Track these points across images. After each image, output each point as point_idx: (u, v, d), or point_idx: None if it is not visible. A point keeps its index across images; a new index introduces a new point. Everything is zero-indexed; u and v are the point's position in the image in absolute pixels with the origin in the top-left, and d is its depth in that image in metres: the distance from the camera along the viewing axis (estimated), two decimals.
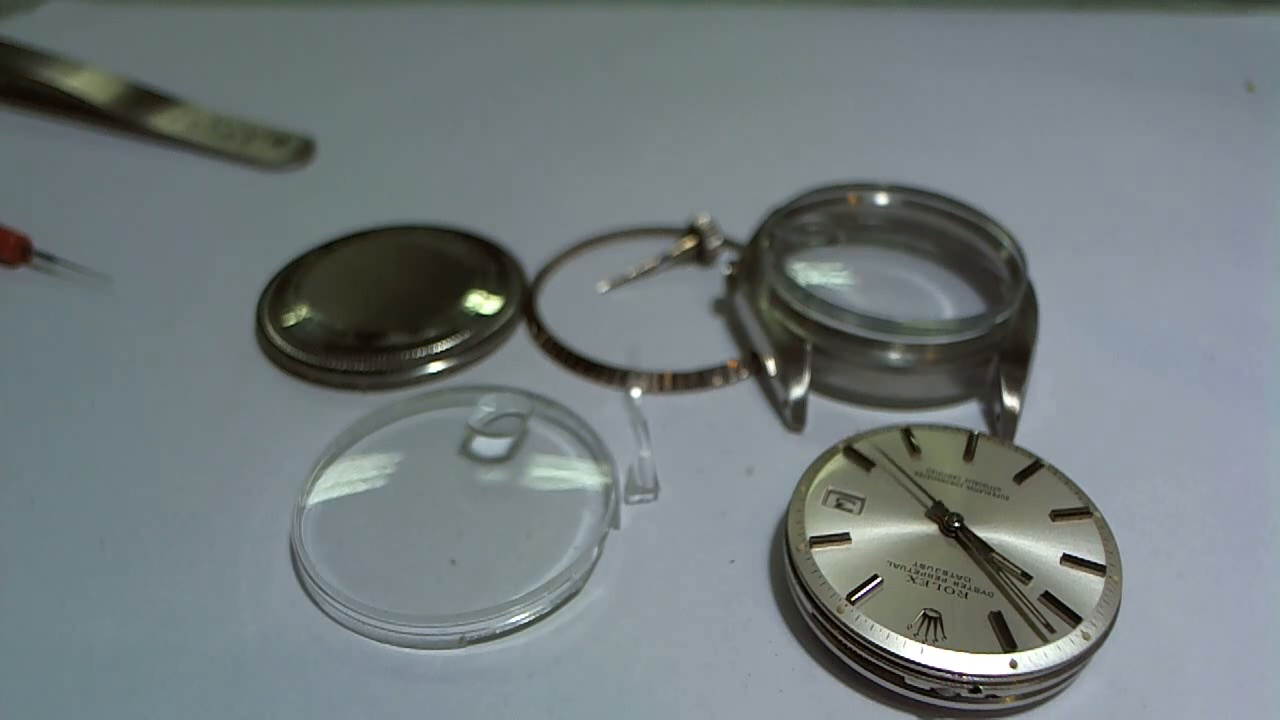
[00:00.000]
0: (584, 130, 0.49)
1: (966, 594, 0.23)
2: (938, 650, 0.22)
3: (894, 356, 0.30)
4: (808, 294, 0.31)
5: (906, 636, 0.22)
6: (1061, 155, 0.46)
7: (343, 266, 0.37)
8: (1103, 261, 0.39)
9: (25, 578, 0.26)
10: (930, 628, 0.22)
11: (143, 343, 0.34)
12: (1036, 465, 0.26)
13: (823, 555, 0.24)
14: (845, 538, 0.24)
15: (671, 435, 0.30)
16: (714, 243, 0.38)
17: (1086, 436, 0.30)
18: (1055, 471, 0.26)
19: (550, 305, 0.36)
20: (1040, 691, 0.22)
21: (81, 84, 0.47)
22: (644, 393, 0.32)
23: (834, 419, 0.31)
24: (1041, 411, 0.31)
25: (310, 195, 0.43)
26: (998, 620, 0.22)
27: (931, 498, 0.25)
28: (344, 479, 0.28)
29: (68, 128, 0.48)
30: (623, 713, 0.23)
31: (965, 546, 0.24)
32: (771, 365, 0.31)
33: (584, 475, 0.29)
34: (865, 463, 0.27)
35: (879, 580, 0.23)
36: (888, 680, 0.22)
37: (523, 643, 0.24)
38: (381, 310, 0.34)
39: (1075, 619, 0.22)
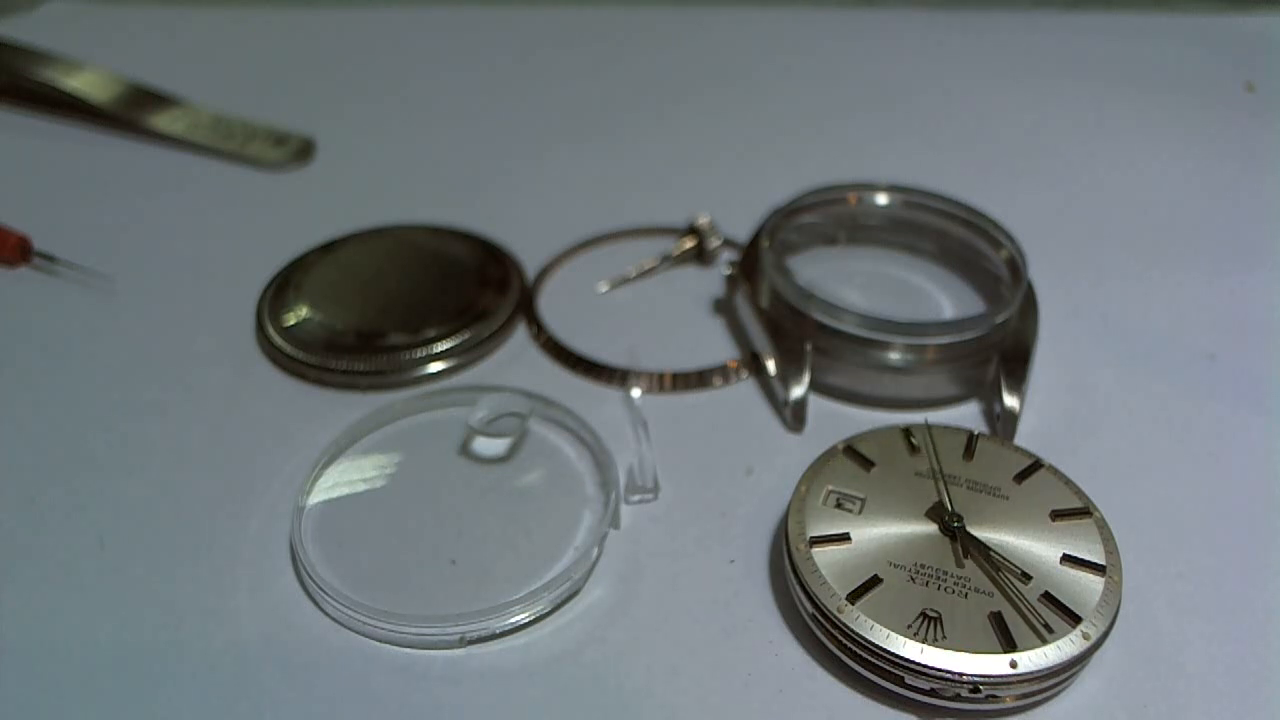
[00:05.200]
0: (584, 130, 0.49)
1: (966, 594, 0.23)
2: (938, 650, 0.22)
3: (894, 356, 0.30)
4: (808, 294, 0.31)
5: (906, 636, 0.22)
6: (1061, 155, 0.46)
7: (343, 266, 0.37)
8: (1103, 261, 0.39)
9: (25, 578, 0.26)
10: (930, 628, 0.22)
11: (143, 343, 0.34)
12: (1036, 465, 0.26)
13: (823, 555, 0.24)
14: (845, 538, 0.24)
15: (671, 435, 0.30)
16: (714, 243, 0.38)
17: (1086, 436, 0.30)
18: (1055, 471, 0.26)
19: (550, 305, 0.36)
20: (1040, 691, 0.22)
21: (81, 84, 0.47)
22: (644, 393, 0.32)
23: (834, 419, 0.31)
24: (1041, 411, 0.31)
25: (310, 195, 0.43)
26: (998, 620, 0.22)
27: (931, 498, 0.25)
28: (344, 479, 0.28)
29: (68, 128, 0.48)
30: (623, 713, 0.23)
31: (965, 546, 0.24)
32: (771, 365, 0.31)
33: (584, 475, 0.29)
34: (865, 463, 0.27)
35: (879, 580, 0.23)
36: (888, 680, 0.22)
37: (523, 643, 0.24)
38: (381, 310, 0.34)
39: (1075, 619, 0.22)
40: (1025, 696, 0.22)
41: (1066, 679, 0.22)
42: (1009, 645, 0.22)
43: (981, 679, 0.21)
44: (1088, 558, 0.24)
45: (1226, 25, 0.60)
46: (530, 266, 0.38)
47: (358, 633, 0.24)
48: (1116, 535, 0.24)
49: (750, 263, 0.34)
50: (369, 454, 0.29)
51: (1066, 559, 0.24)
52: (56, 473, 0.29)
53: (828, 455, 0.27)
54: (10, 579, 0.26)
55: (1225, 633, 0.24)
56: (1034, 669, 0.21)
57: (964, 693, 0.22)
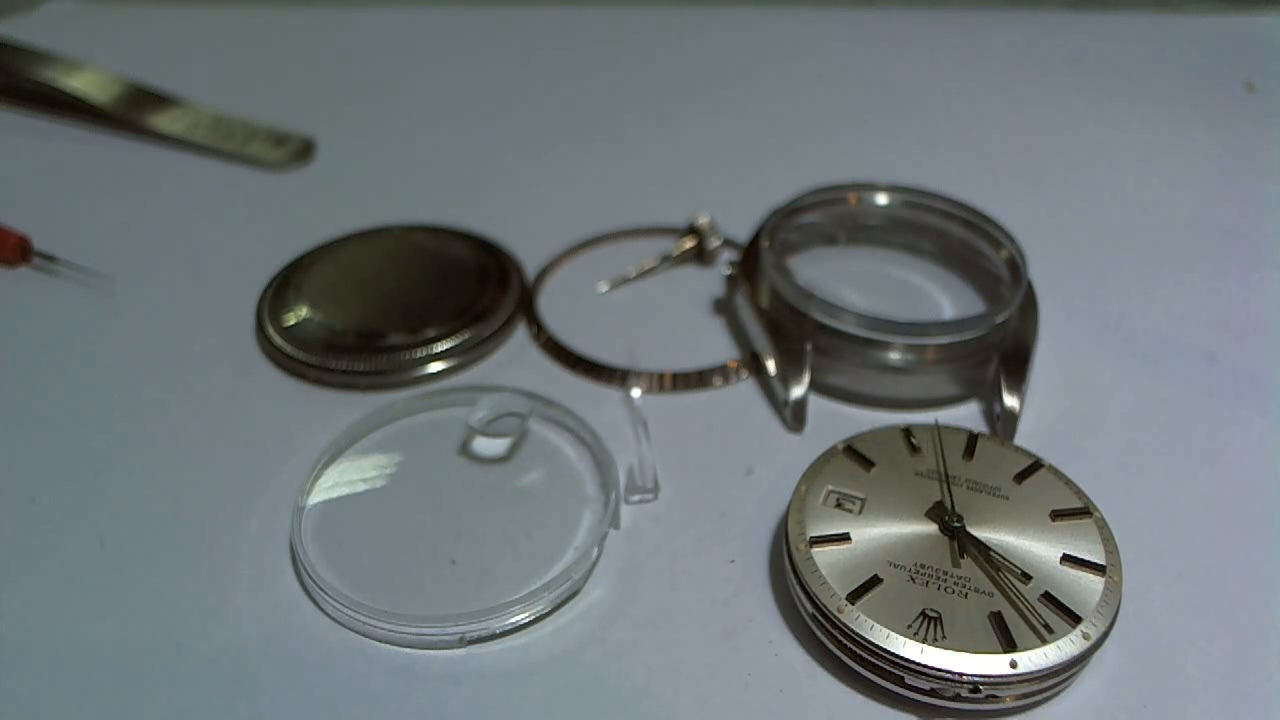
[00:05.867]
0: (584, 130, 0.49)
1: (966, 594, 0.23)
2: (938, 650, 0.22)
3: (894, 356, 0.30)
4: (808, 294, 0.31)
5: (906, 636, 0.22)
6: (1062, 155, 0.46)
7: (343, 266, 0.37)
8: (1103, 261, 0.39)
9: (25, 578, 0.26)
10: (930, 628, 0.22)
11: (143, 343, 0.34)
12: (1036, 465, 0.26)
13: (823, 555, 0.24)
14: (845, 538, 0.24)
15: (671, 435, 0.30)
16: (714, 243, 0.38)
17: (1086, 436, 0.30)
18: (1055, 471, 0.26)
19: (550, 305, 0.36)
20: (1040, 691, 0.22)
21: (81, 84, 0.47)
22: (644, 393, 0.32)
23: (834, 419, 0.31)
24: (1041, 411, 0.31)
25: (310, 195, 0.43)
26: (998, 620, 0.22)
27: (931, 498, 0.25)
28: (344, 479, 0.28)
29: (68, 128, 0.48)
30: (623, 713, 0.23)
31: (965, 546, 0.24)
32: (771, 365, 0.31)
33: (584, 475, 0.29)
34: (865, 463, 0.27)
35: (879, 580, 0.23)
36: (888, 680, 0.22)
37: (523, 643, 0.24)
38: (381, 310, 0.34)
39: (1075, 619, 0.22)
40: (1025, 696, 0.22)
41: (1066, 679, 0.22)
42: (1009, 645, 0.22)
43: (981, 679, 0.21)
44: (1088, 558, 0.24)
45: (1226, 25, 0.60)
46: (530, 266, 0.38)
47: (358, 633, 0.24)
48: (1116, 535, 0.24)
49: (750, 263, 0.34)
50: (369, 454, 0.29)
51: (1066, 559, 0.24)
52: (56, 473, 0.29)
53: (828, 455, 0.27)
54: (10, 579, 0.26)
55: (1225, 633, 0.24)
56: (1034, 669, 0.21)
57: (964, 693, 0.22)
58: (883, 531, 0.25)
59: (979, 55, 0.57)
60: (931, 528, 0.25)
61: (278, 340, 0.33)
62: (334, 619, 0.25)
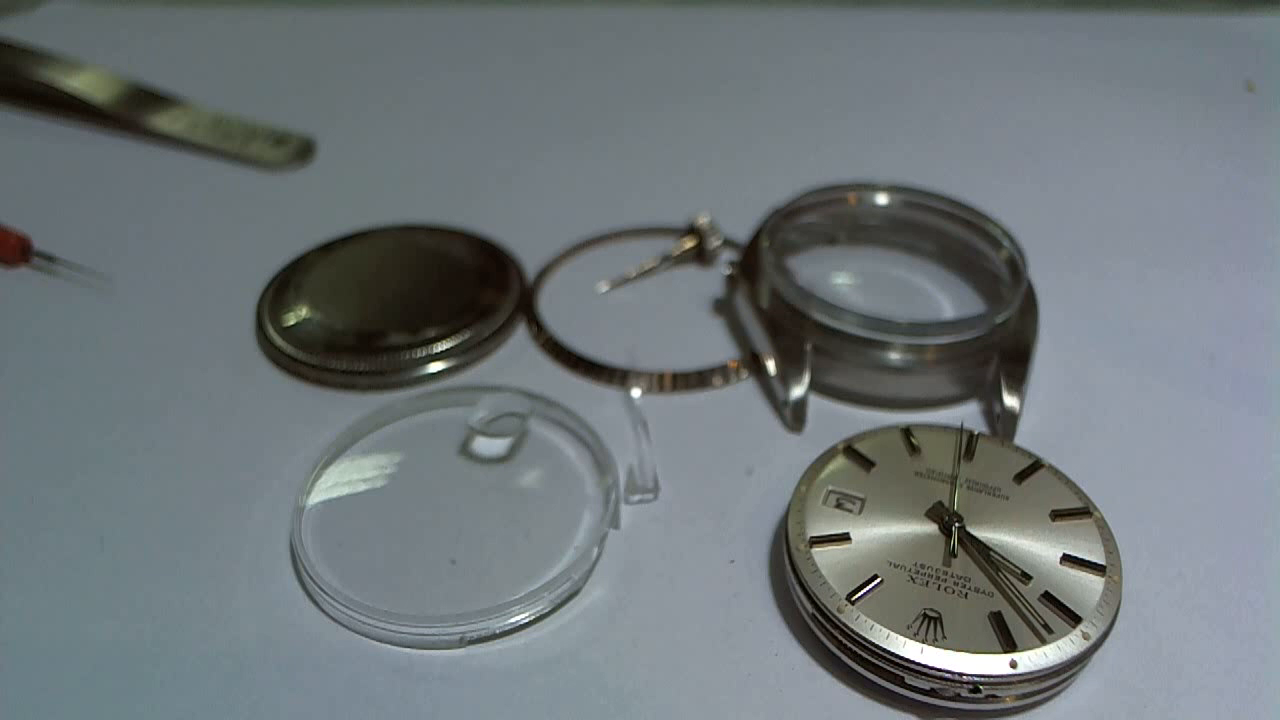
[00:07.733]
0: (584, 130, 0.49)
1: (966, 594, 0.23)
2: (938, 650, 0.22)
3: (894, 356, 0.30)
4: (808, 294, 0.31)
5: (906, 636, 0.22)
6: (1061, 155, 0.46)
7: (343, 266, 0.37)
8: (1103, 261, 0.39)
9: (25, 578, 0.26)
10: (930, 628, 0.22)
11: (142, 343, 0.34)
12: (1036, 465, 0.26)
13: (823, 555, 0.24)
14: (845, 538, 0.24)
15: (671, 435, 0.30)
16: (714, 243, 0.38)
17: (1086, 436, 0.30)
18: (1055, 471, 0.26)
19: (550, 305, 0.36)
20: (1040, 691, 0.22)
21: (81, 84, 0.47)
22: (644, 393, 0.32)
23: (834, 419, 0.31)
24: (1041, 411, 0.31)
25: (310, 195, 0.43)
26: (998, 620, 0.22)
27: (931, 498, 0.25)
28: (344, 479, 0.28)
29: (68, 128, 0.48)
30: (623, 713, 0.23)
31: (965, 546, 0.24)
32: (771, 365, 0.31)
33: (584, 475, 0.29)
34: (865, 463, 0.27)
35: (879, 580, 0.23)
36: (888, 680, 0.22)
37: (523, 643, 0.24)
38: (381, 310, 0.34)
39: (1075, 619, 0.22)
40: (1025, 696, 0.22)
41: (1066, 679, 0.22)
42: (1009, 645, 0.22)
43: (981, 679, 0.21)
44: (1088, 558, 0.24)
45: (1226, 25, 0.60)
46: (530, 266, 0.38)
47: (357, 633, 0.24)
48: (1116, 535, 0.24)
49: (750, 263, 0.34)
50: (369, 454, 0.29)
51: (1066, 559, 0.24)
52: (56, 473, 0.29)
53: (828, 455, 0.27)
54: (10, 579, 0.26)
55: (1225, 633, 0.24)
56: (1034, 669, 0.21)
57: (964, 693, 0.22)
58: (883, 531, 0.25)
59: (979, 55, 0.57)
60: (931, 528, 0.25)
61: (278, 340, 0.33)
62: (334, 619, 0.25)
